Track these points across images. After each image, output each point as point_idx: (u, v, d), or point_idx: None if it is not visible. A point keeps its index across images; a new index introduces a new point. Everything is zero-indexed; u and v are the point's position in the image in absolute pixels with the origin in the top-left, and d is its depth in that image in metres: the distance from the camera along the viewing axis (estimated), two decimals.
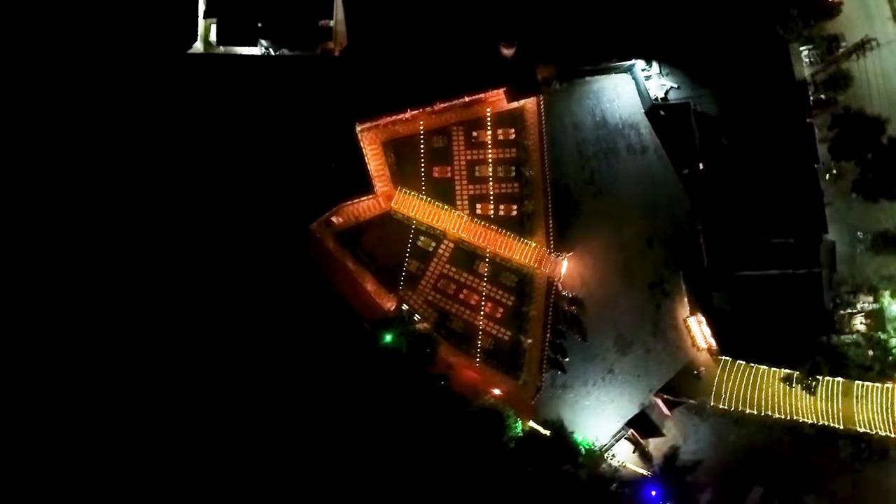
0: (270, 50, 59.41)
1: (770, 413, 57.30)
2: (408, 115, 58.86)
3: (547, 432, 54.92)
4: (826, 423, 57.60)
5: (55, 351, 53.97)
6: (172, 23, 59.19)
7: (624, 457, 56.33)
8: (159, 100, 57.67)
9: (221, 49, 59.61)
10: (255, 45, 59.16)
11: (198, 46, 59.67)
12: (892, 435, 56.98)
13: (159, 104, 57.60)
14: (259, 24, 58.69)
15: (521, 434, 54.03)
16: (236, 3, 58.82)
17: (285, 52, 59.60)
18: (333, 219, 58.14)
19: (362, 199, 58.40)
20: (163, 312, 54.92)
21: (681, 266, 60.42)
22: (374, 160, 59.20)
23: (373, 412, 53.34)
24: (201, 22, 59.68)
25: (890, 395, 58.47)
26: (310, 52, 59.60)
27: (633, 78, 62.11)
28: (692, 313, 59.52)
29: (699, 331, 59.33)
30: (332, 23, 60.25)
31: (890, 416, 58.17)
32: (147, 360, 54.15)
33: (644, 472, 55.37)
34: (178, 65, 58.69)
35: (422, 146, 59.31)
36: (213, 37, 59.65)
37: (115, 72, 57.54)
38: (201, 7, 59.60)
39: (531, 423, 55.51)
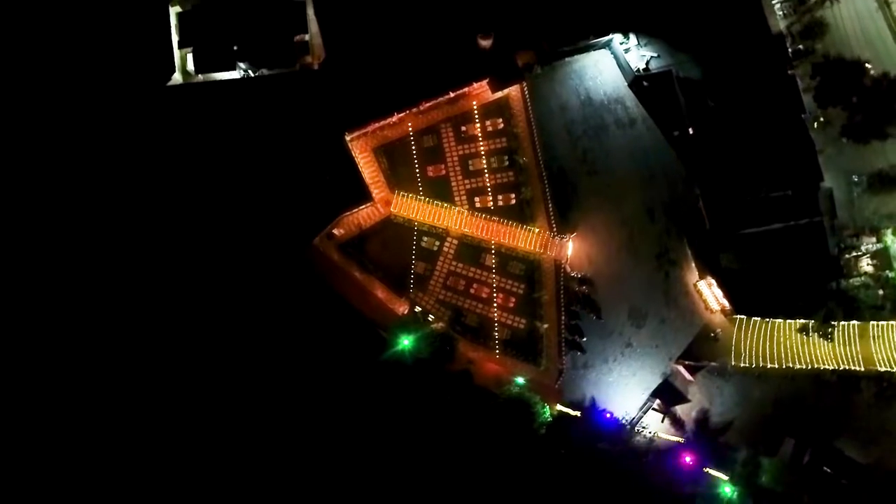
0: (250, 72, 59.34)
1: (791, 365, 57.69)
2: (395, 118, 58.94)
3: (576, 413, 55.18)
4: (847, 367, 58.08)
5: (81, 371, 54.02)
6: (148, 57, 59.05)
7: (655, 427, 56.60)
8: (147, 132, 57.57)
9: (200, 77, 59.51)
10: (234, 68, 59.10)
11: (177, 78, 59.49)
12: None
13: (148, 136, 57.50)
14: (235, 48, 58.63)
15: (550, 419, 54.18)
16: (210, 29, 58.75)
17: (265, 71, 59.57)
18: (335, 231, 58.16)
19: (361, 207, 58.45)
20: (188, 340, 54.96)
21: (684, 232, 60.68)
22: (368, 167, 59.23)
23: (401, 416, 53.32)
24: (177, 53, 59.53)
25: None
26: (289, 69, 59.55)
27: (612, 53, 62.31)
28: (701, 277, 59.82)
29: (710, 294, 59.65)
30: (307, 37, 60.28)
31: None
32: (174, 384, 54.02)
33: (677, 439, 55.67)
34: (159, 98, 58.50)
35: (413, 147, 59.39)
36: (190, 66, 59.51)
37: (102, 109, 57.36)
38: (175, 38, 59.45)
39: (559, 407, 55.72)
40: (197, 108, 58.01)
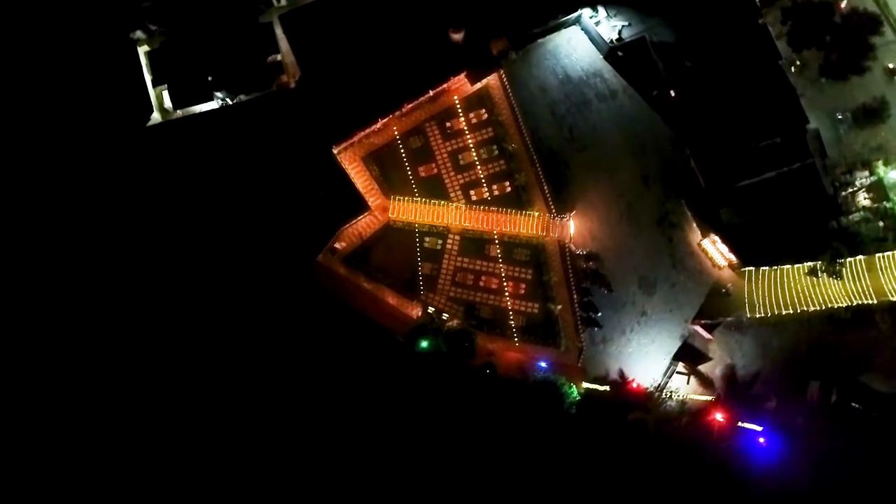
0: (228, 100, 59.01)
1: (805, 308, 58.13)
2: (379, 124, 58.87)
3: (604, 388, 55.41)
4: (860, 303, 58.68)
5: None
6: (123, 101, 58.64)
7: (685, 389, 56.90)
8: (134, 174, 57.24)
9: (179, 113, 59.11)
10: (212, 99, 58.75)
11: (155, 117, 59.12)
12: None
13: (135, 178, 57.15)
14: (210, 78, 58.31)
15: (578, 398, 54.33)
16: (181, 63, 58.43)
17: (243, 97, 59.26)
18: (336, 245, 57.95)
19: (359, 217, 58.25)
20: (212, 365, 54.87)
21: (681, 194, 61.02)
22: (359, 177, 59.11)
23: (433, 417, 53.28)
24: (152, 92, 59.13)
25: None
26: (267, 91, 59.29)
27: (583, 28, 62.53)
28: (704, 236, 60.18)
29: (715, 251, 60.04)
30: (279, 57, 60.08)
31: None
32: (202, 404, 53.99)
33: (708, 397, 56.00)
34: (141, 140, 58.15)
35: (401, 150, 59.34)
36: (167, 103, 59.14)
37: (87, 160, 56.95)
38: (148, 78, 59.07)
39: (585, 385, 55.89)
40: (181, 143, 57.61)
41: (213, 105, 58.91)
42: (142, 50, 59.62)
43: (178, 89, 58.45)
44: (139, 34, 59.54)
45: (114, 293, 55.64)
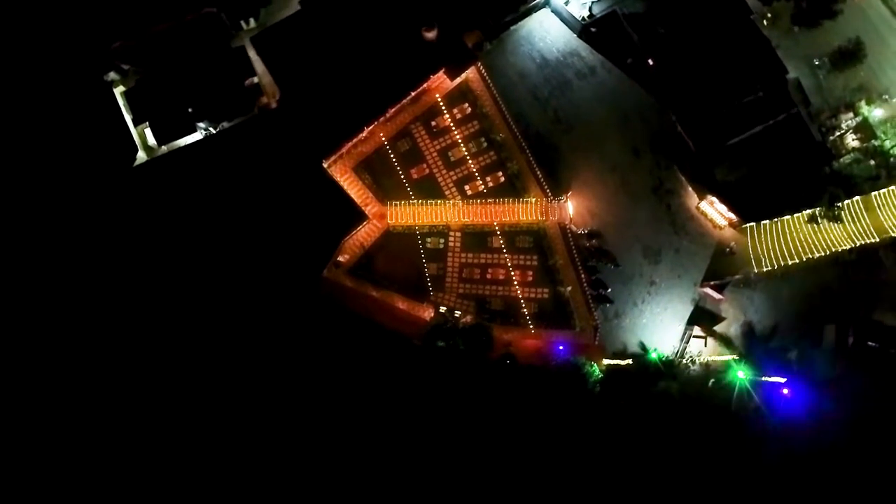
0: (211, 129, 58.69)
1: (810, 256, 58.82)
2: (365, 132, 58.69)
3: (626, 362, 55.63)
4: (862, 243, 59.45)
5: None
6: (106, 144, 58.25)
7: (705, 352, 57.20)
8: (126, 214, 56.76)
9: (164, 148, 58.72)
10: (195, 130, 58.38)
11: (141, 156, 58.68)
12: None
13: (128, 218, 56.72)
14: (190, 110, 57.96)
15: (601, 375, 54.52)
16: (160, 99, 57.99)
17: (225, 125, 58.95)
18: (340, 258, 57.78)
19: (359, 228, 58.15)
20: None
21: (672, 160, 61.36)
22: (353, 187, 58.95)
23: (462, 414, 53.25)
24: (134, 131, 58.73)
25: None
26: (249, 115, 59.02)
27: (553, 9, 62.71)
28: (701, 198, 60.55)
29: (714, 211, 60.43)
30: (256, 79, 59.81)
31: None
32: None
33: (730, 356, 56.38)
34: (129, 180, 57.80)
35: (391, 155, 59.23)
36: (151, 140, 58.75)
37: (80, 207, 56.60)
38: (128, 117, 58.68)
39: (605, 361, 56.10)
40: (171, 178, 57.20)
41: (197, 136, 58.54)
42: (118, 91, 59.14)
43: (160, 125, 57.99)
44: (113, 76, 59.00)
45: (125, 336, 55.28)
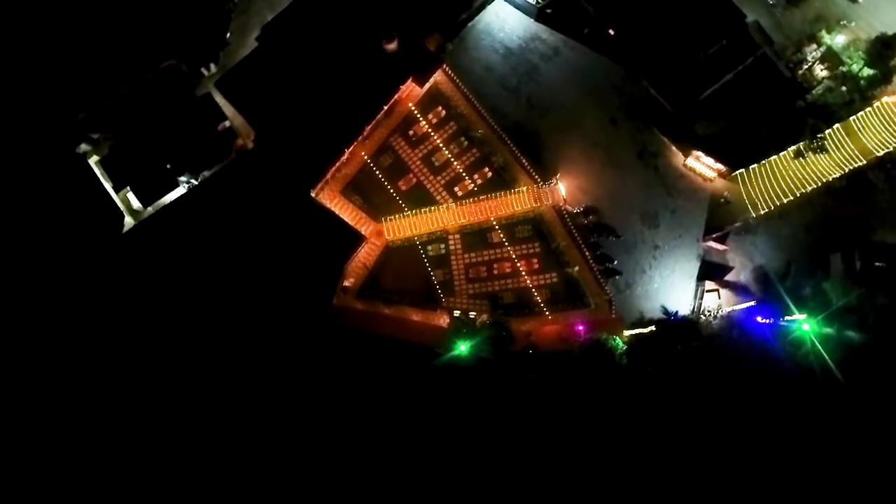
0: (193, 180, 58.30)
1: (803, 190, 59.49)
2: (346, 154, 58.64)
3: (648, 329, 55.93)
4: (850, 168, 60.25)
5: None
6: (91, 219, 57.74)
7: (724, 303, 57.56)
8: (124, 280, 56.45)
9: (150, 209, 58.25)
10: (178, 185, 57.98)
11: (128, 221, 58.21)
12: None
13: (127, 283, 56.38)
14: (168, 166, 57.56)
15: (626, 347, 54.77)
16: (136, 161, 57.50)
17: (206, 173, 58.59)
18: (346, 283, 57.64)
19: (358, 249, 58.05)
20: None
21: (651, 124, 61.66)
22: (344, 211, 58.84)
23: (497, 413, 53.41)
24: (117, 198, 58.23)
25: (883, 110, 61.60)
26: (228, 159, 58.72)
27: None
28: (687, 155, 60.90)
29: (702, 165, 60.83)
30: (228, 123, 59.54)
31: (893, 125, 61.27)
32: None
33: (749, 303, 56.79)
34: (123, 248, 57.33)
35: (376, 172, 59.21)
36: (135, 204, 58.25)
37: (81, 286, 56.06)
38: (108, 186, 58.17)
39: (627, 333, 56.38)
40: (163, 237, 56.79)
41: (181, 190, 58.12)
42: (92, 161, 58.64)
43: (142, 187, 57.51)
44: (84, 147, 58.54)
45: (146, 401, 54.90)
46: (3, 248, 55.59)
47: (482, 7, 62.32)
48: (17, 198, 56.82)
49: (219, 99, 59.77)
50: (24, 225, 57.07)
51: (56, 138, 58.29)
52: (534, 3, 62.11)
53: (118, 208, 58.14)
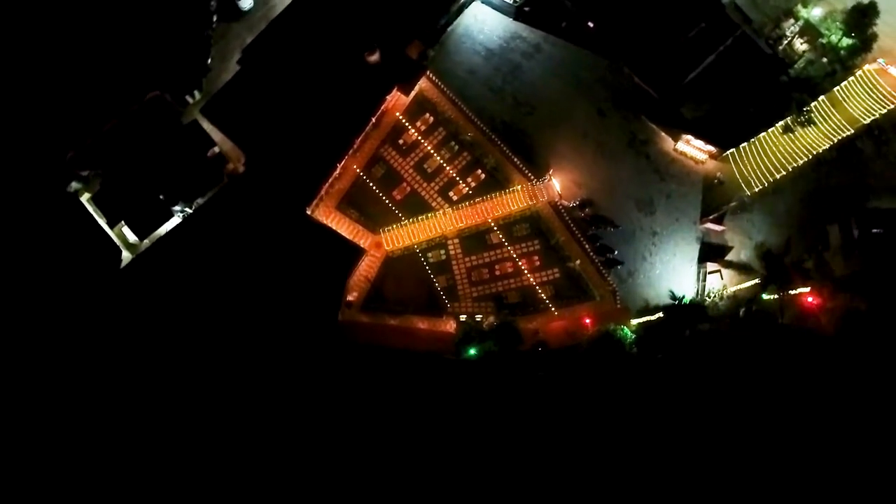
0: (187, 209, 58.00)
1: (794, 164, 59.90)
2: (338, 169, 58.56)
3: (656, 316, 56.04)
4: (839, 138, 60.71)
5: None
6: (90, 258, 57.33)
7: (727, 284, 57.76)
8: (129, 315, 55.86)
9: (147, 242, 57.88)
10: (172, 215, 57.67)
11: (126, 256, 57.77)
12: (890, 105, 60.85)
13: (132, 318, 55.84)
14: (161, 197, 57.29)
15: (634, 336, 54.82)
16: (127, 195, 57.15)
17: (200, 201, 58.33)
18: (350, 298, 57.46)
19: (358, 263, 57.91)
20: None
21: (638, 112, 62.00)
22: (341, 225, 58.63)
23: (513, 413, 53.19)
24: (112, 234, 57.79)
25: (865, 78, 62.19)
26: (221, 184, 58.49)
27: (483, 1, 63.18)
28: (676, 140, 61.25)
29: (692, 149, 61.20)
30: (217, 149, 59.26)
31: (877, 92, 61.81)
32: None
33: (754, 282, 57.04)
34: (124, 284, 56.93)
35: (369, 184, 59.14)
36: (131, 238, 57.89)
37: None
38: (102, 222, 57.78)
39: (634, 322, 56.48)
40: (162, 268, 56.43)
41: (176, 220, 57.79)
42: (84, 199, 58.18)
43: (137, 221, 56.96)
44: (75, 185, 58.04)
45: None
46: (2, 295, 54.97)
47: (460, 11, 62.50)
48: (11, 244, 56.13)
49: (206, 125, 59.48)
50: (22, 271, 56.26)
51: (46, 179, 57.82)
52: (511, 2, 62.39)
53: (114, 244, 57.64)
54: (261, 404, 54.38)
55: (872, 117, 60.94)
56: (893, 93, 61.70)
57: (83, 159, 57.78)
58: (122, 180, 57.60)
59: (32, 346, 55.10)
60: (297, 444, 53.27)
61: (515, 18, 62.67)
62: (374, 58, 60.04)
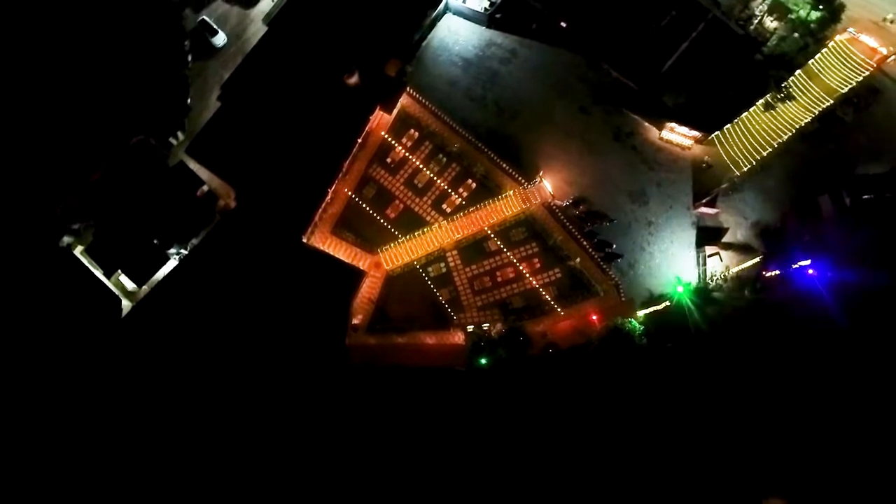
0: (183, 251, 57.78)
1: (779, 139, 60.32)
2: (329, 195, 58.56)
3: (662, 305, 56.15)
4: (819, 109, 61.29)
5: None
6: (89, 308, 56.89)
7: (730, 265, 58.05)
8: (136, 361, 55.65)
9: (146, 288, 57.60)
10: (168, 258, 57.45)
11: (126, 304, 57.49)
12: (865, 72, 61.61)
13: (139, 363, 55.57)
14: (156, 241, 57.02)
15: (643, 327, 54.92)
16: (122, 243, 56.91)
17: (195, 241, 58.13)
18: (355, 321, 57.30)
19: (360, 285, 57.76)
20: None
21: (620, 105, 62.34)
22: (339, 250, 58.58)
23: (531, 419, 53.21)
24: (109, 284, 57.48)
25: (838, 49, 62.83)
26: (213, 222, 58.34)
27: (455, 12, 63.73)
28: (660, 128, 61.58)
29: (677, 136, 61.50)
30: (206, 187, 59.22)
31: (852, 61, 62.49)
32: None
33: (755, 260, 57.31)
34: (127, 332, 56.55)
35: (362, 205, 59.16)
36: (129, 286, 57.57)
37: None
38: (99, 274, 57.43)
39: (640, 313, 56.57)
40: (165, 312, 56.12)
41: (173, 263, 57.58)
42: (78, 251, 57.91)
43: (133, 268, 56.94)
44: (67, 239, 57.79)
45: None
46: (5, 357, 54.34)
47: (433, 25, 62.85)
48: (8, 307, 55.59)
49: (192, 165, 59.51)
50: (23, 331, 55.78)
51: (37, 237, 57.45)
52: (482, 10, 62.73)
53: (113, 294, 57.31)
54: (279, 441, 54.19)
55: (850, 86, 61.49)
56: (867, 60, 62.39)
57: (73, 212, 57.53)
58: (115, 229, 57.44)
59: (41, 410, 54.69)
60: (325, 479, 53.10)
61: (488, 26, 63.08)
62: (354, 80, 60.29)
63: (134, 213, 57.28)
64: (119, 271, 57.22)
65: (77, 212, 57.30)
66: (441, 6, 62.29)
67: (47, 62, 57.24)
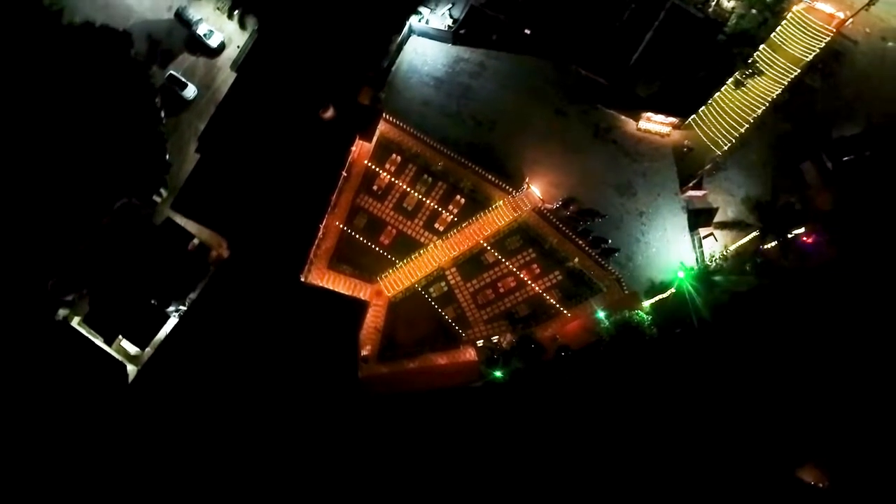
0: (181, 307, 57.17)
1: (754, 114, 61.38)
2: (320, 230, 58.32)
3: (666, 293, 56.38)
4: (788, 80, 62.51)
5: None
6: (95, 378, 55.96)
7: (728, 243, 58.41)
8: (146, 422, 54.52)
9: (149, 350, 56.78)
10: (168, 317, 56.77)
11: (131, 369, 56.61)
12: (826, 38, 63.00)
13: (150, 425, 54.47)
14: (153, 302, 56.38)
15: (649, 317, 55.08)
16: (119, 308, 56.15)
17: (193, 295, 57.52)
18: (364, 352, 56.90)
19: (364, 316, 57.37)
20: None
21: (594, 102, 63.01)
22: (338, 284, 58.28)
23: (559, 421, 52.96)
24: (112, 351, 56.64)
25: (796, 19, 64.34)
26: (208, 274, 57.79)
27: (420, 34, 64.28)
28: (637, 119, 62.32)
29: (654, 125, 62.23)
30: (196, 240, 58.76)
31: (811, 29, 63.94)
32: None
33: (752, 234, 57.84)
34: (133, 396, 55.58)
35: (355, 236, 59.01)
36: (132, 350, 56.76)
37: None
38: (100, 343, 56.55)
39: (646, 304, 56.74)
40: (172, 372, 55.22)
41: (173, 321, 56.88)
42: (75, 323, 57.05)
43: (133, 332, 56.14)
44: (63, 312, 56.94)
45: None
46: (16, 440, 53.12)
47: (399, 49, 63.28)
48: (14, 385, 54.50)
49: (179, 220, 59.01)
50: (31, 412, 54.63)
51: (31, 315, 56.53)
52: (445, 28, 63.35)
53: (117, 360, 56.43)
54: (307, 493, 53.28)
55: (813, 53, 62.95)
56: (826, 26, 63.83)
57: (65, 284, 56.73)
58: (110, 295, 56.65)
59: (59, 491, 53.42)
60: None
61: (454, 43, 63.66)
62: (329, 114, 60.30)
63: (127, 276, 56.57)
64: (120, 337, 56.37)
65: (69, 283, 56.50)
66: (405, 29, 62.74)
67: (19, 140, 56.67)
